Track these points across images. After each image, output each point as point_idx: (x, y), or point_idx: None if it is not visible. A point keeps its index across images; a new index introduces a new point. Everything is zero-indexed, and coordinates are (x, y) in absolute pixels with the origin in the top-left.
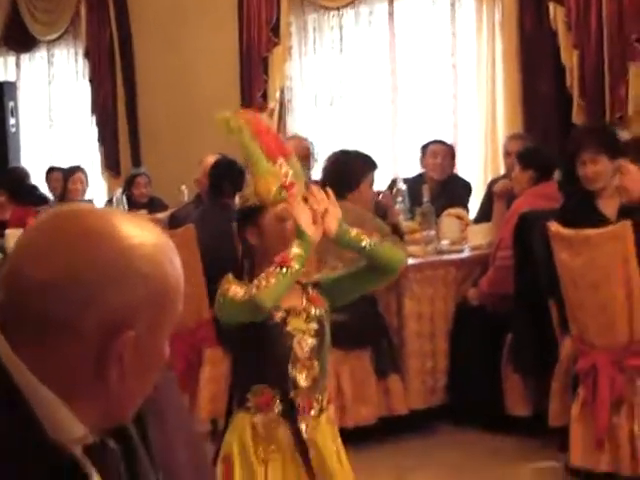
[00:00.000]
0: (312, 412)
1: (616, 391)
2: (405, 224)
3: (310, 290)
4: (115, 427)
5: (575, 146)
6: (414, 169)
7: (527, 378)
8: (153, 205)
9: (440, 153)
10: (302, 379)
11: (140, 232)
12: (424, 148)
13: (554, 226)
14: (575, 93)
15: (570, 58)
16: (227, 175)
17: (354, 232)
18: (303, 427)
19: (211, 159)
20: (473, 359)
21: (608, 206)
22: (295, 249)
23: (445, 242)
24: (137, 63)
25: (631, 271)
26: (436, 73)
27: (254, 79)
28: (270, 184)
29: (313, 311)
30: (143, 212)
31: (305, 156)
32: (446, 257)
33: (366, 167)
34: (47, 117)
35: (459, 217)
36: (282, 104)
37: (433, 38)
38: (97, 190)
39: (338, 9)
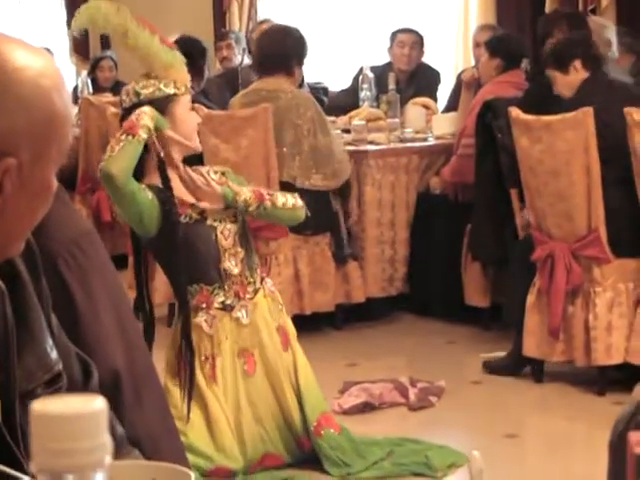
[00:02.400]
0: (247, 295)
1: (572, 281)
2: (370, 111)
3: (214, 175)
4: (2, 264)
5: (547, 30)
6: (384, 57)
7: (486, 268)
8: (118, 89)
9: (408, 43)
10: (232, 267)
11: (28, 56)
12: (392, 36)
13: (514, 111)
14: None
15: None
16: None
17: (242, 197)
18: (242, 314)
19: (172, 38)
20: (433, 248)
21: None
22: (145, 120)
23: (409, 130)
24: None
25: (591, 160)
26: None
27: None
28: (185, 73)
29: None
30: (107, 95)
31: None
32: (409, 145)
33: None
34: None
35: (426, 106)
36: None
37: None
38: (65, 74)
39: None
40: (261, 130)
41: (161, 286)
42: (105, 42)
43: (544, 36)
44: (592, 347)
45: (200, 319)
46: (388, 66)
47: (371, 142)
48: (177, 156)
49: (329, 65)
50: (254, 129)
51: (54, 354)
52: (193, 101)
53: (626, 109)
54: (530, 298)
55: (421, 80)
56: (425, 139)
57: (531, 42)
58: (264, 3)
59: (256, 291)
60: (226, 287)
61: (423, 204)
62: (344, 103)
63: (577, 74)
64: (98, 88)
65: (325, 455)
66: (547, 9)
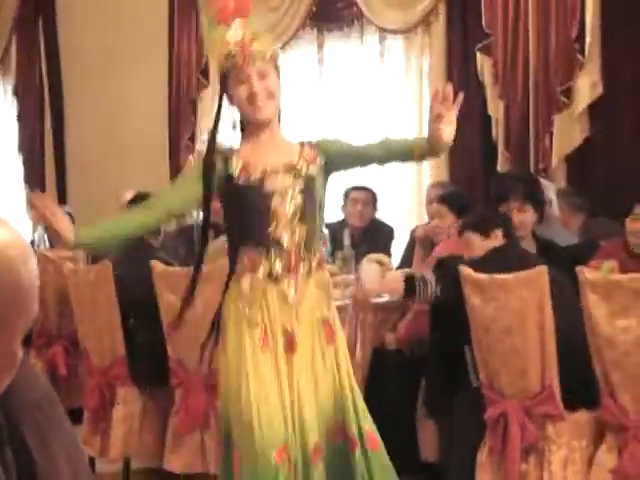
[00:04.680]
0: (300, 270)
1: (527, 439)
2: (329, 267)
3: (307, 148)
4: None
5: (502, 193)
6: (338, 214)
7: (440, 424)
8: None
9: (360, 200)
10: (286, 239)
11: None
12: (346, 194)
13: (465, 270)
14: (500, 144)
15: (496, 109)
16: None
17: None
18: (291, 291)
19: (128, 194)
20: (389, 404)
21: None
22: None
23: None
24: (66, 102)
25: (546, 317)
26: (363, 120)
27: (182, 121)
28: (220, 50)
29: (304, 170)
30: (64, 250)
31: None
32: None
33: None
34: None
35: (380, 262)
36: None
37: (361, 85)
38: (22, 229)
39: None
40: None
41: (117, 441)
42: (61, 198)
43: (499, 198)
44: None
45: (244, 281)
46: (342, 223)
47: None
48: None
49: None
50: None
51: None
52: (153, 257)
53: (578, 268)
54: (480, 456)
55: (375, 236)
56: (380, 295)
57: (483, 200)
58: None
59: (309, 273)
60: (273, 256)
61: (378, 360)
62: None
63: (496, 240)
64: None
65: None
66: (499, 167)
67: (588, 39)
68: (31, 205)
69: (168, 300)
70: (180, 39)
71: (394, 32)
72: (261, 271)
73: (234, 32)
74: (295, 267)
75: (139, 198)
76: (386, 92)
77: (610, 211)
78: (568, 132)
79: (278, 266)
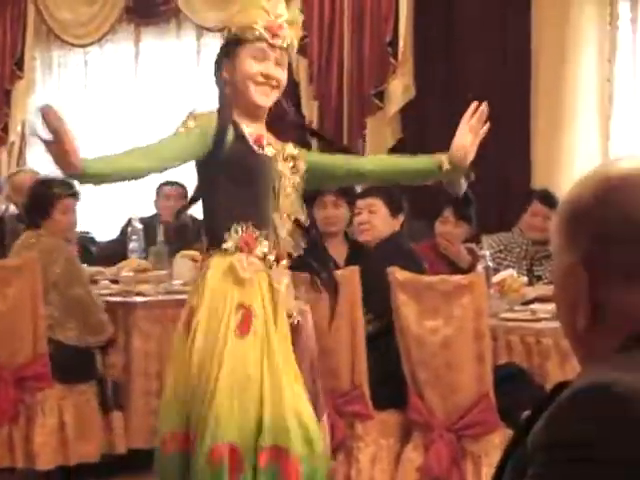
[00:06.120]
0: (283, 262)
1: (336, 437)
2: (138, 262)
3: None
4: None
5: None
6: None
7: None
8: None
9: (173, 196)
10: (282, 231)
11: None
12: (158, 189)
13: None
14: (314, 145)
15: (311, 109)
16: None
17: None
18: (281, 284)
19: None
20: None
21: (338, 251)
22: None
23: (177, 282)
24: None
25: (355, 318)
26: (178, 116)
27: None
28: (252, 18)
29: (299, 166)
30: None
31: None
32: (177, 297)
33: (58, 193)
34: None
35: (194, 259)
36: (23, 138)
37: (178, 82)
38: None
39: (84, 46)
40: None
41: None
42: None
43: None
44: None
45: (236, 258)
46: (156, 218)
47: (139, 293)
48: None
49: (97, 215)
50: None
51: None
52: None
53: (389, 269)
54: None
55: (188, 232)
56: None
57: None
58: (34, 152)
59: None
60: (271, 242)
61: None
62: (112, 253)
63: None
64: None
65: None
66: None
67: (401, 44)
68: (44, 117)
69: None
70: None
71: (211, 30)
72: (257, 253)
73: (273, 5)
74: (281, 257)
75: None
76: (202, 90)
77: (422, 214)
78: (381, 134)
79: (272, 253)
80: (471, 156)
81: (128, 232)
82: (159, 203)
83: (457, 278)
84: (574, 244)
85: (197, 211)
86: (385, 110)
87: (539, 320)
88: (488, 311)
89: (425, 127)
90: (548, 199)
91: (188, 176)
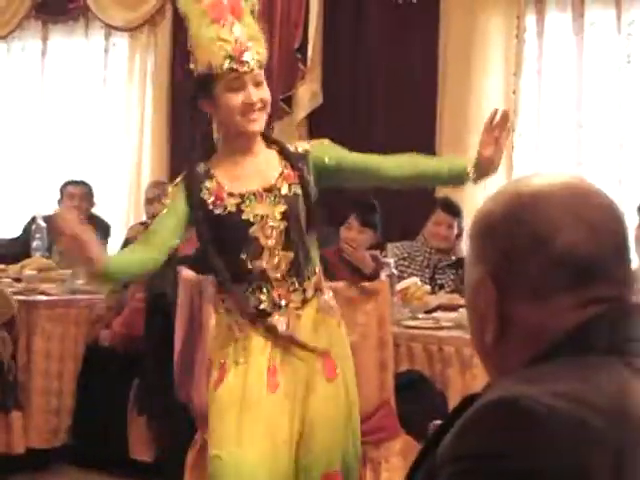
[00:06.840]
0: (292, 304)
1: None
2: (42, 261)
3: (289, 167)
4: None
5: None
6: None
7: (151, 422)
8: None
9: (77, 195)
10: (272, 269)
11: None
12: (62, 188)
13: (184, 271)
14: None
15: None
16: None
17: None
18: (282, 324)
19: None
20: (100, 401)
21: None
22: None
23: (80, 282)
24: None
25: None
26: (85, 115)
27: None
28: (214, 53)
29: (285, 190)
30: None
31: None
32: (80, 297)
33: None
34: None
35: None
36: None
37: (85, 80)
38: None
39: None
40: None
41: None
42: None
43: None
44: None
45: (231, 319)
46: None
47: (42, 292)
48: None
49: None
50: None
51: None
52: None
53: None
54: (190, 456)
55: (94, 232)
56: (95, 292)
57: None
58: None
59: (305, 301)
60: (263, 290)
61: (91, 356)
62: (15, 252)
63: None
64: None
65: None
66: None
67: (310, 50)
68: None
69: None
70: None
71: (120, 29)
72: (247, 310)
73: (227, 30)
74: (287, 298)
75: None
76: (109, 89)
77: (328, 220)
78: (288, 139)
79: (266, 301)
80: (498, 165)
81: (32, 230)
82: (63, 202)
83: (361, 285)
84: (484, 258)
85: (101, 210)
86: (293, 115)
87: (441, 328)
88: (391, 319)
89: (332, 133)
90: (451, 208)
91: (92, 175)
